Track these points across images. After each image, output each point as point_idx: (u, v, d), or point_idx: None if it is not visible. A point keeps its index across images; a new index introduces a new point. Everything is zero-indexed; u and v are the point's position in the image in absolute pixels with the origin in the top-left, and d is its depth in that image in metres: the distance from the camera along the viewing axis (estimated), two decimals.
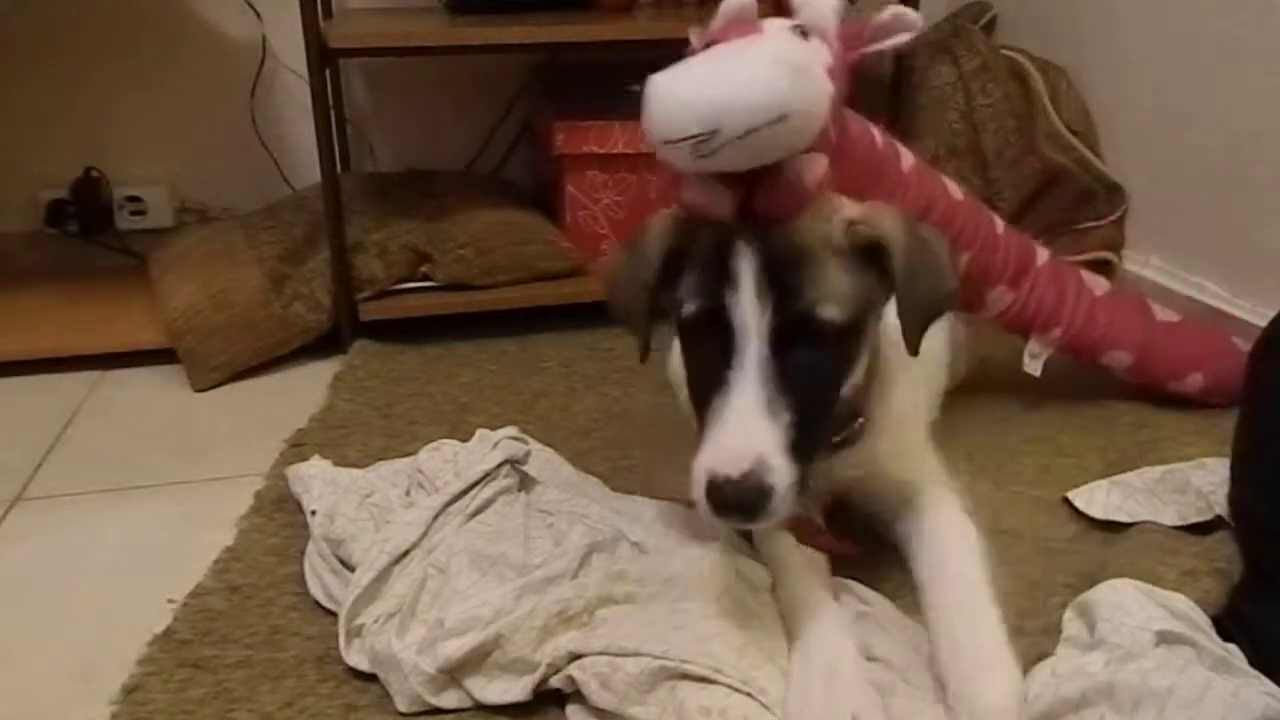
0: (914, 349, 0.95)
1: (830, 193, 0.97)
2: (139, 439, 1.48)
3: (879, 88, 1.88)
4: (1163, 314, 1.46)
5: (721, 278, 0.89)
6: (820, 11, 0.98)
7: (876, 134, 1.25)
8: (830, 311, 0.89)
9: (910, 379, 1.10)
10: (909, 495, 1.07)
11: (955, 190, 1.34)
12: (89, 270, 2.03)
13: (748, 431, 0.85)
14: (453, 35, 1.76)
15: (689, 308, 0.93)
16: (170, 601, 1.09)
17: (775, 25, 0.96)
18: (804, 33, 0.96)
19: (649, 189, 1.82)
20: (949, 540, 1.02)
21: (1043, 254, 1.40)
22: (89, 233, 2.10)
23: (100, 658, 1.02)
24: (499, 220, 1.83)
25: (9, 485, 1.36)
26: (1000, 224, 1.38)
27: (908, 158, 1.29)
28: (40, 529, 1.27)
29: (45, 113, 2.05)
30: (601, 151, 1.80)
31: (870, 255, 0.93)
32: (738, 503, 0.84)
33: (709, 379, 0.89)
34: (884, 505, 1.09)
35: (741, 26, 0.94)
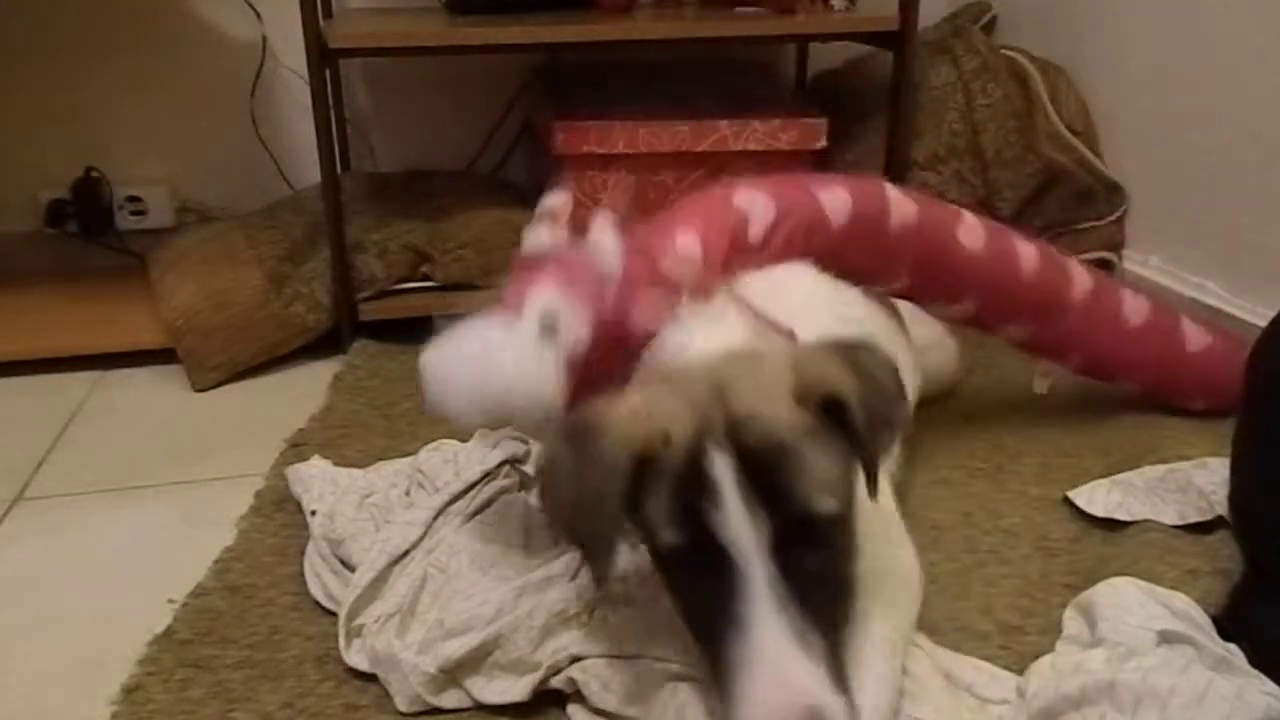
0: (875, 492, 0.85)
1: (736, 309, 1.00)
2: (139, 439, 1.48)
3: (879, 88, 1.88)
4: (1194, 339, 1.37)
5: (700, 495, 0.79)
6: (604, 257, 1.05)
7: (835, 213, 1.18)
8: (827, 503, 0.80)
9: None
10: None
11: (974, 234, 1.26)
12: (89, 270, 2.03)
13: (789, 679, 0.74)
14: (453, 35, 1.76)
15: (670, 538, 0.81)
16: (170, 601, 1.09)
17: (533, 308, 1.01)
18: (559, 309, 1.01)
19: (649, 189, 1.83)
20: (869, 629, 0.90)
21: (1083, 285, 1.32)
22: (89, 233, 2.09)
23: (100, 658, 1.02)
24: (499, 220, 1.82)
25: (9, 485, 1.36)
26: (1031, 263, 1.29)
27: (900, 211, 1.21)
28: (40, 529, 1.27)
29: (45, 113, 2.04)
30: (601, 151, 1.79)
31: (827, 409, 0.83)
32: None
33: (713, 614, 0.80)
34: None
35: (527, 274, 1.06)
